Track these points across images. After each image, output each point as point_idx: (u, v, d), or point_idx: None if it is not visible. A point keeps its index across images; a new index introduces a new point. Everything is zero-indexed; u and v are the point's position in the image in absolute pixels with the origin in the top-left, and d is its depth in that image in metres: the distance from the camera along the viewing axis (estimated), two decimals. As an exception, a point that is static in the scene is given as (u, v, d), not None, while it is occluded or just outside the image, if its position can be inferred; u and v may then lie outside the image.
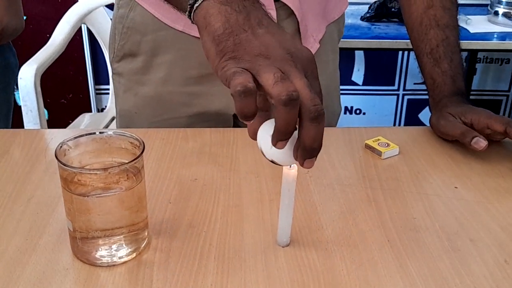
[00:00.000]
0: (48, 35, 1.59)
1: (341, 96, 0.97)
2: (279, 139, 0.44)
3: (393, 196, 0.63)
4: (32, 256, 0.51)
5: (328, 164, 0.69)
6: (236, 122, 0.85)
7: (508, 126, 0.69)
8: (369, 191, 0.64)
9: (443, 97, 0.77)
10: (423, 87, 0.82)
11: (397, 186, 0.65)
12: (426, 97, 0.81)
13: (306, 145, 0.44)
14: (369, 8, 1.83)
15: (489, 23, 1.79)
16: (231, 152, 0.71)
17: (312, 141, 0.44)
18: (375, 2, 1.82)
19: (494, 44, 1.69)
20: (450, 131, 0.72)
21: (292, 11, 0.77)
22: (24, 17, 1.90)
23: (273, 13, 0.75)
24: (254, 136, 0.47)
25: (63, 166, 0.47)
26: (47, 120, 1.61)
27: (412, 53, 0.85)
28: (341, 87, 0.96)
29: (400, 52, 2.18)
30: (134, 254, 0.51)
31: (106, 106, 2.00)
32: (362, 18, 1.82)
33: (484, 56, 2.23)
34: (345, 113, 2.31)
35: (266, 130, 0.46)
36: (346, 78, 2.23)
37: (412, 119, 2.32)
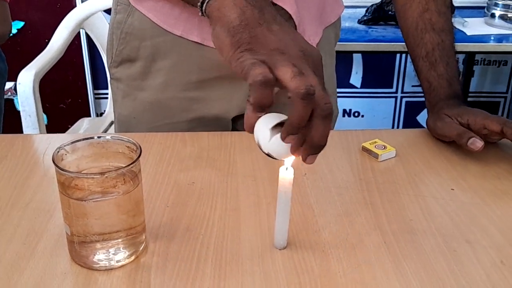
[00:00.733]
0: (46, 41, 1.60)
1: (340, 99, 0.97)
2: (290, 132, 0.45)
3: (390, 198, 0.63)
4: (30, 261, 0.52)
5: (325, 167, 0.70)
6: (234, 126, 0.86)
7: (504, 126, 0.69)
8: (366, 194, 0.64)
9: (439, 100, 0.78)
10: (421, 89, 0.82)
11: (394, 188, 0.65)
12: (424, 99, 0.82)
13: (315, 141, 0.45)
14: (366, 11, 1.83)
15: (486, 25, 1.80)
16: (228, 156, 0.71)
17: (321, 138, 0.45)
18: (372, 5, 1.82)
19: (491, 46, 1.69)
20: (447, 132, 0.73)
21: (290, 15, 0.77)
22: (23, 23, 1.90)
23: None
24: (250, 129, 0.47)
25: (60, 170, 0.47)
26: (46, 125, 1.61)
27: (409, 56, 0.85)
28: (340, 90, 0.96)
29: (398, 55, 2.19)
30: (132, 258, 0.52)
31: (105, 111, 2.00)
32: (360, 21, 1.82)
33: (481, 58, 2.23)
34: (343, 116, 2.31)
35: (264, 123, 0.46)
36: (344, 81, 2.23)
37: (410, 122, 2.33)
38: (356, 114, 2.32)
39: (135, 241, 0.52)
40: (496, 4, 1.77)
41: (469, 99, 2.26)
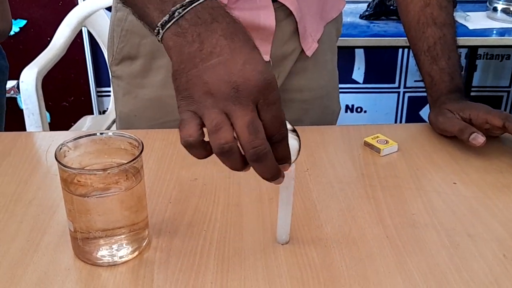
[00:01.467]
0: (49, 39, 1.60)
1: (342, 94, 0.97)
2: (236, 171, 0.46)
3: (392, 193, 0.63)
4: (34, 257, 0.52)
5: (327, 162, 0.70)
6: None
7: (506, 121, 0.69)
8: (368, 188, 0.64)
9: (441, 94, 0.77)
10: (423, 84, 0.82)
11: (396, 183, 0.65)
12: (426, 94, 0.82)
13: (261, 177, 0.46)
14: (368, 6, 1.83)
15: (488, 19, 1.79)
16: (230, 152, 0.71)
17: (263, 175, 0.46)
18: (373, 0, 1.82)
19: (493, 40, 1.69)
20: (449, 127, 0.73)
21: (291, 11, 0.77)
22: (25, 21, 1.90)
23: (271, 13, 0.75)
24: None
25: (63, 167, 0.47)
26: (49, 123, 1.61)
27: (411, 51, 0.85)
28: (342, 85, 0.96)
29: (400, 50, 2.18)
30: (135, 254, 0.52)
31: (107, 108, 2.01)
32: (361, 17, 1.82)
33: (484, 53, 2.23)
34: (346, 111, 2.31)
35: None
36: (346, 76, 2.23)
37: (413, 117, 2.32)
38: (359, 109, 2.32)
39: (138, 237, 0.52)
40: (498, -2, 1.76)
41: (472, 93, 2.25)
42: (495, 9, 1.77)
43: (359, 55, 2.20)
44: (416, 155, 0.72)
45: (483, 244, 0.54)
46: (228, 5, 0.73)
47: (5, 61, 1.25)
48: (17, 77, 1.48)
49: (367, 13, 1.81)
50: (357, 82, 2.26)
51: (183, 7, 0.45)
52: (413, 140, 0.76)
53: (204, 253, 0.53)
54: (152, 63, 0.80)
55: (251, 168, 0.46)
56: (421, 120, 2.28)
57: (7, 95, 1.32)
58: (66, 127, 2.04)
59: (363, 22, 1.79)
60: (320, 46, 0.84)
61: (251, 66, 0.43)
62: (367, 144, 0.73)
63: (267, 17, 0.75)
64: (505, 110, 2.36)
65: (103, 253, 0.51)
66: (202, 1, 0.45)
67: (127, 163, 0.48)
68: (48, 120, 2.01)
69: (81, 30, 1.90)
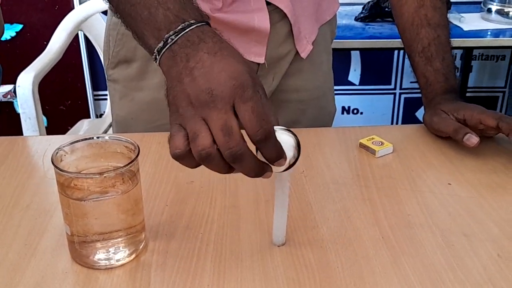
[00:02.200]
0: (45, 43, 1.60)
1: (338, 96, 0.98)
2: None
3: (388, 194, 0.63)
4: (31, 261, 0.52)
5: (323, 164, 0.70)
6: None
7: (500, 121, 0.69)
8: (364, 190, 0.64)
9: (436, 95, 0.78)
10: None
11: (391, 183, 0.66)
12: (422, 95, 0.82)
13: (246, 176, 0.47)
14: (363, 8, 1.83)
15: (483, 20, 1.80)
16: (227, 154, 0.72)
17: (247, 174, 0.47)
18: (368, 2, 1.82)
19: (488, 41, 1.69)
20: (443, 128, 0.73)
21: (285, 14, 0.78)
22: (21, 25, 1.91)
23: (266, 16, 0.76)
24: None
25: (59, 171, 0.48)
26: (46, 127, 1.62)
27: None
28: (338, 87, 0.97)
29: (396, 51, 2.19)
30: (132, 257, 0.52)
31: (104, 112, 2.01)
32: (356, 19, 1.82)
33: (479, 53, 2.23)
34: (342, 113, 2.32)
35: None
36: (342, 78, 2.24)
37: (409, 118, 2.33)
38: (355, 111, 2.33)
39: (135, 240, 0.52)
40: (492, -1, 1.77)
41: (467, 94, 2.26)
42: (489, 10, 1.78)
43: (355, 56, 2.21)
44: (411, 156, 0.72)
45: (478, 243, 0.55)
46: (223, 8, 0.74)
47: None
48: (13, 82, 1.48)
49: (362, 15, 1.82)
50: (353, 84, 2.27)
51: (176, 34, 0.48)
52: (408, 141, 0.76)
53: (201, 255, 0.53)
54: (148, 66, 0.81)
55: None
56: (417, 121, 2.28)
57: (4, 99, 1.32)
58: (63, 131, 2.04)
59: (359, 24, 1.80)
60: (315, 48, 0.85)
61: (226, 73, 0.45)
62: (362, 146, 0.74)
63: (262, 20, 0.76)
64: (500, 110, 2.37)
65: (100, 256, 0.51)
66: (193, 27, 0.48)
67: (124, 166, 0.48)
68: (45, 124, 2.01)
69: (77, 34, 1.90)
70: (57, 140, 0.78)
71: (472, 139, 0.69)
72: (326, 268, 0.51)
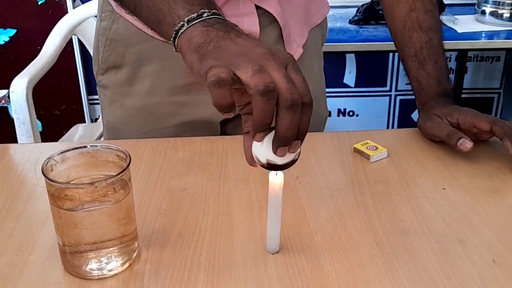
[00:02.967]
0: (39, 48, 1.59)
1: (334, 98, 0.98)
2: (258, 130, 0.46)
3: (382, 200, 0.63)
4: (23, 272, 0.52)
5: (317, 169, 0.70)
6: (223, 130, 0.86)
7: (493, 125, 0.69)
8: (358, 195, 0.64)
9: (429, 99, 0.78)
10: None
11: (386, 189, 0.65)
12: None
13: (280, 133, 0.46)
14: (357, 11, 1.83)
15: (477, 22, 1.80)
16: (220, 161, 0.71)
17: (286, 129, 0.45)
18: (362, 5, 1.82)
19: (482, 43, 1.69)
20: (437, 133, 0.73)
21: (275, 17, 0.78)
22: (15, 30, 1.90)
23: (255, 20, 0.76)
24: (250, 159, 0.49)
25: (50, 181, 0.47)
26: (41, 132, 1.61)
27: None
28: (333, 89, 0.97)
29: (391, 53, 2.19)
30: (125, 266, 0.52)
31: (99, 116, 2.00)
32: (351, 21, 1.82)
33: (474, 55, 2.24)
34: (338, 115, 2.32)
35: (256, 143, 0.48)
36: (338, 80, 2.24)
37: (404, 119, 2.33)
38: (351, 113, 2.33)
39: (127, 249, 0.52)
40: (486, 1, 1.77)
41: (463, 95, 2.27)
42: (483, 12, 1.78)
43: (350, 58, 2.21)
44: (406, 161, 0.72)
45: (473, 249, 0.55)
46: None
47: None
48: (7, 87, 1.48)
49: (356, 18, 1.81)
50: (348, 86, 2.26)
51: (209, 13, 0.51)
52: (402, 145, 0.76)
53: (194, 264, 0.53)
54: (137, 71, 0.80)
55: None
56: (413, 122, 2.29)
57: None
58: (58, 136, 2.03)
59: (353, 27, 1.80)
60: (305, 51, 0.84)
61: (277, 49, 0.48)
62: (356, 151, 0.73)
63: (251, 23, 0.76)
64: (496, 111, 2.38)
65: (93, 266, 0.50)
66: (223, 17, 0.52)
67: (115, 176, 0.48)
68: (40, 129, 2.00)
69: (71, 39, 1.89)
70: (50, 148, 0.77)
71: (466, 143, 0.68)
72: (320, 276, 0.51)
